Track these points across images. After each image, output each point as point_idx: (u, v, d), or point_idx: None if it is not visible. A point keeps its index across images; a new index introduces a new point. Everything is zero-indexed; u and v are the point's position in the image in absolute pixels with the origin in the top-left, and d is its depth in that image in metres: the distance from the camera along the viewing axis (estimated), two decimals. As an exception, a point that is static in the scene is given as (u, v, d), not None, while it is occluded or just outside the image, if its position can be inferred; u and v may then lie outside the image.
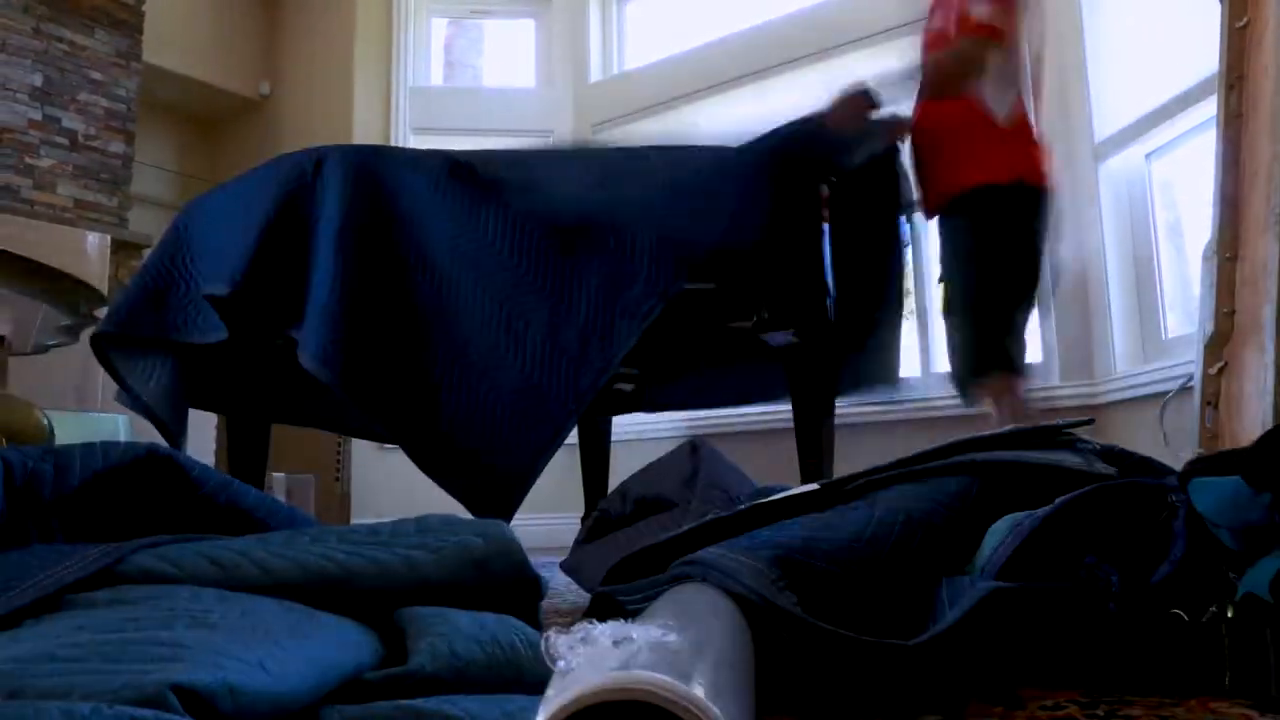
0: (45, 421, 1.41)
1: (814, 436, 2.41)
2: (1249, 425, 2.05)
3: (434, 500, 4.01)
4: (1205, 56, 2.73)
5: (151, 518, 0.89)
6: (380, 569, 0.70)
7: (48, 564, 0.69)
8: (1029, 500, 0.83)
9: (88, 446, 0.84)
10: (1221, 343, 2.26)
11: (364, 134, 4.69)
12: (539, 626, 0.77)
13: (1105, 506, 0.69)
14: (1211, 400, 2.24)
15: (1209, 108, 2.75)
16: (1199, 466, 0.72)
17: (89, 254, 3.48)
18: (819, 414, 2.42)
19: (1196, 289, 2.94)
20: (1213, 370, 2.25)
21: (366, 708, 0.53)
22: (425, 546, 0.73)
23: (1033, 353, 3.36)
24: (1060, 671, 0.69)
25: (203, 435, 3.81)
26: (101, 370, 3.57)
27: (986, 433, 0.97)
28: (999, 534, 0.74)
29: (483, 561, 0.74)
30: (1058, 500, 0.71)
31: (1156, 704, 0.66)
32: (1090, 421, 1.00)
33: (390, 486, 4.31)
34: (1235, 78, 2.32)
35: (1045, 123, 2.48)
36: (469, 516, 0.86)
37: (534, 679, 0.60)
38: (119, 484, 0.86)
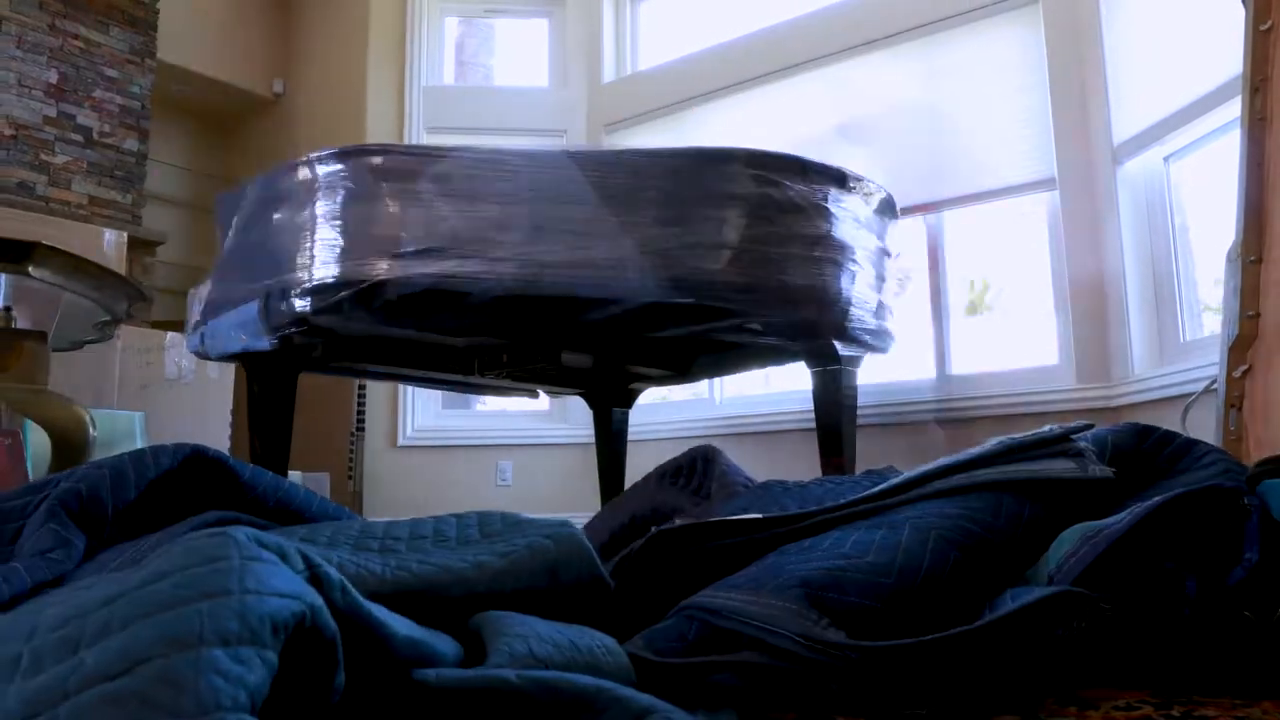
0: (86, 417, 1.41)
1: (835, 435, 2.41)
2: (1275, 428, 2.05)
3: (442, 500, 4.04)
4: (1226, 59, 2.73)
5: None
6: (455, 577, 0.69)
7: (111, 561, 0.69)
8: (1051, 512, 0.82)
9: (138, 454, 0.84)
10: (1245, 345, 2.26)
11: (377, 133, 4.69)
12: (610, 629, 0.76)
13: (1183, 512, 0.69)
14: (1235, 403, 2.24)
15: (1229, 110, 2.75)
16: (1268, 468, 0.72)
17: (106, 251, 3.49)
18: (840, 412, 2.42)
19: (1217, 292, 2.94)
20: (1236, 373, 2.25)
21: (462, 671, 0.52)
22: (495, 551, 0.72)
23: (1049, 354, 3.36)
24: (1129, 672, 0.69)
25: (217, 435, 3.81)
26: (118, 367, 3.58)
27: (974, 450, 0.93)
28: (1069, 541, 0.73)
29: (554, 565, 0.73)
30: (1137, 509, 0.70)
31: (1230, 705, 0.66)
32: (1089, 426, 0.96)
33: (401, 484, 4.32)
34: (1259, 80, 2.32)
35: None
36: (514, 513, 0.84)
37: (611, 686, 0.60)
38: (171, 488, 0.86)
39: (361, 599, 0.44)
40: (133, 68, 4.45)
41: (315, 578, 0.38)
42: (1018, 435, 0.91)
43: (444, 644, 0.58)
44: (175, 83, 4.95)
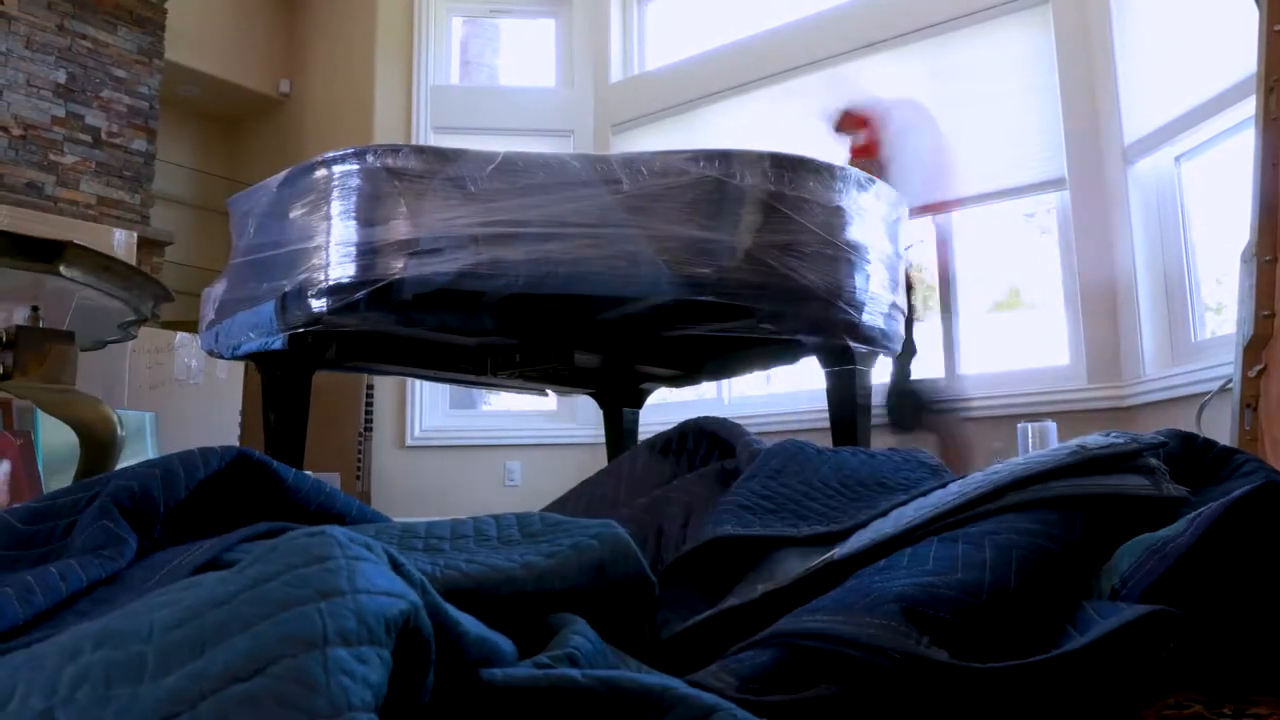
0: (114, 417, 1.41)
1: (850, 435, 2.41)
2: (1292, 428, 2.05)
3: (450, 500, 4.05)
4: (1237, 59, 2.73)
5: (245, 523, 0.89)
6: (504, 576, 0.69)
7: (164, 564, 0.70)
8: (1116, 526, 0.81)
9: (187, 455, 0.83)
10: (1260, 345, 2.27)
11: (384, 133, 4.69)
12: (655, 630, 0.76)
13: (1240, 518, 0.68)
14: (1250, 403, 2.24)
15: (1241, 110, 2.75)
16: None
17: (116, 251, 3.49)
18: (855, 412, 2.42)
19: (1219, 292, 2.94)
20: (1252, 373, 2.25)
21: (529, 670, 0.51)
22: (540, 551, 0.72)
23: (1060, 354, 3.36)
24: (1182, 672, 0.70)
25: (226, 435, 3.81)
26: (128, 368, 3.58)
27: (1047, 459, 0.89)
28: (1130, 554, 0.73)
29: (600, 565, 0.72)
30: (1197, 520, 0.69)
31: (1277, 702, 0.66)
32: (1164, 444, 0.94)
33: (409, 484, 4.32)
34: (1275, 80, 2.32)
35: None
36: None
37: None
38: (216, 491, 0.86)
39: (439, 598, 0.44)
40: (141, 68, 4.45)
41: (399, 576, 0.38)
42: (1091, 442, 0.89)
43: (504, 643, 0.58)
44: (182, 83, 4.95)
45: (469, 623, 0.50)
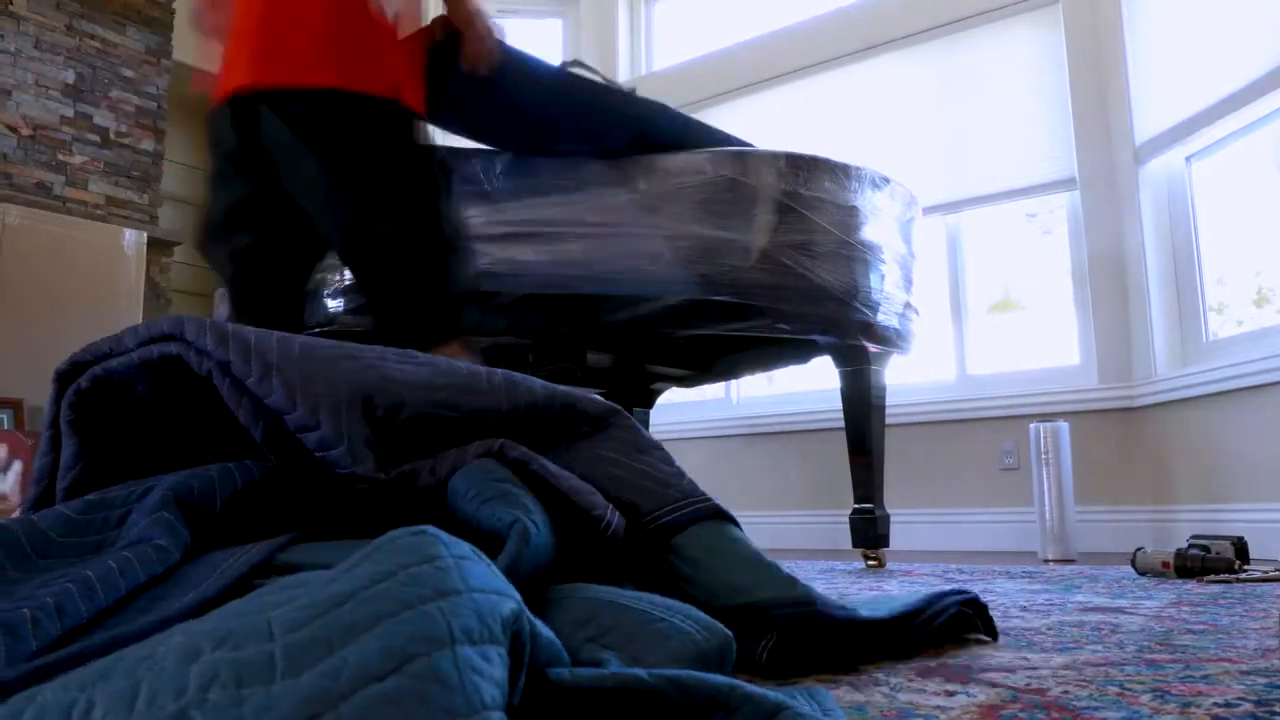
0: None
1: (864, 434, 2.41)
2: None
3: None
4: (1250, 59, 2.74)
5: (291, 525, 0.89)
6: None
7: (220, 563, 0.70)
8: None
9: (229, 465, 0.84)
10: None
11: (392, 132, 4.68)
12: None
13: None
14: None
15: (1255, 110, 2.75)
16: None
17: (126, 251, 3.49)
18: (869, 412, 2.43)
19: (1221, 291, 2.94)
20: None
21: (596, 671, 0.52)
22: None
23: (1070, 355, 3.37)
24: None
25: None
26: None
27: None
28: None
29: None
30: None
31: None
32: None
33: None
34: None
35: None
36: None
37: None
38: (257, 493, 0.86)
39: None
40: (149, 68, 4.45)
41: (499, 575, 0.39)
42: None
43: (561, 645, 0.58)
44: (188, 83, 4.95)
45: (540, 625, 0.50)
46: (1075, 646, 0.97)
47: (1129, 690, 0.71)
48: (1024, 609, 1.35)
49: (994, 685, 0.75)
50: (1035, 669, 0.83)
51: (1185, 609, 1.31)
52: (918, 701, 0.69)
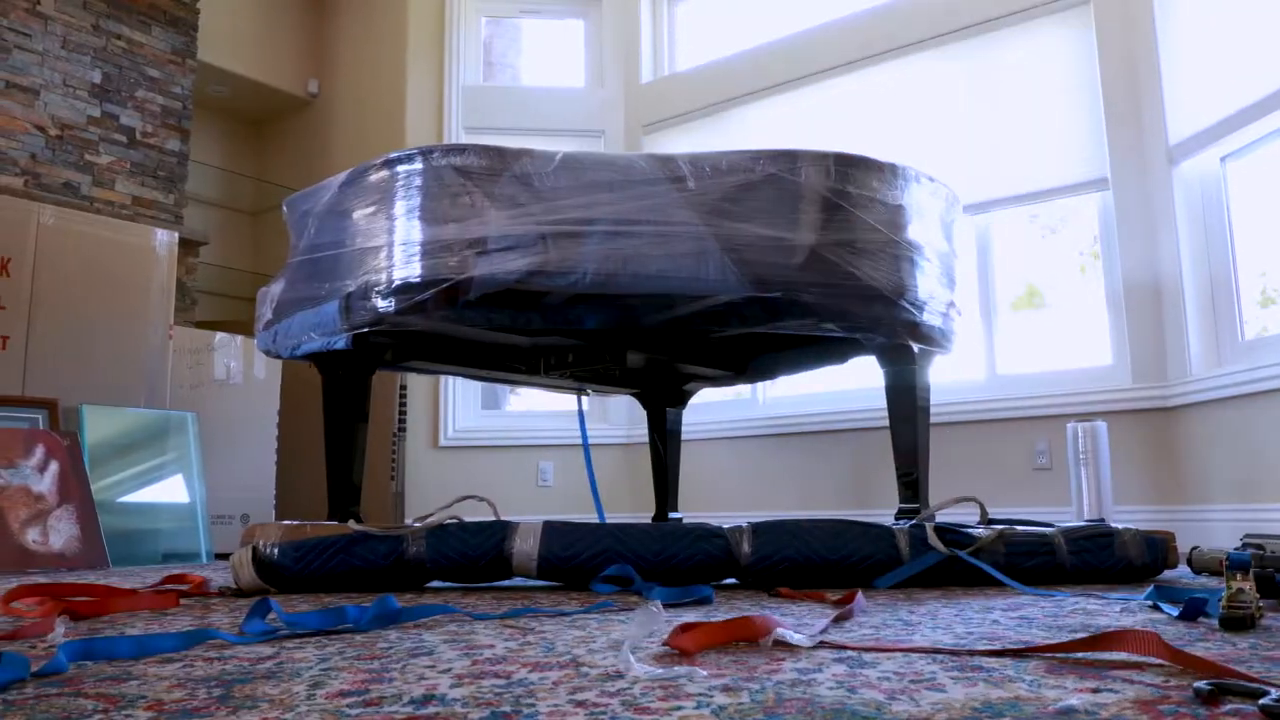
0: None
1: (910, 433, 2.41)
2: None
3: (484, 503, 3.99)
4: (1291, 59, 2.73)
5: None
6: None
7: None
8: None
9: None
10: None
11: (415, 132, 4.70)
12: None
13: None
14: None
15: (1293, 110, 2.74)
16: None
17: (158, 251, 3.49)
18: (914, 411, 2.42)
19: (1253, 290, 2.93)
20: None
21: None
22: None
23: (1101, 355, 3.36)
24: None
25: (265, 434, 3.82)
26: (170, 371, 3.57)
27: None
28: None
29: None
30: None
31: None
32: None
33: (443, 484, 4.32)
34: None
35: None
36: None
37: None
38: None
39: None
40: (174, 68, 4.46)
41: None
42: None
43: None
44: (213, 83, 4.96)
45: None
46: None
47: None
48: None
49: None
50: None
51: None
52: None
